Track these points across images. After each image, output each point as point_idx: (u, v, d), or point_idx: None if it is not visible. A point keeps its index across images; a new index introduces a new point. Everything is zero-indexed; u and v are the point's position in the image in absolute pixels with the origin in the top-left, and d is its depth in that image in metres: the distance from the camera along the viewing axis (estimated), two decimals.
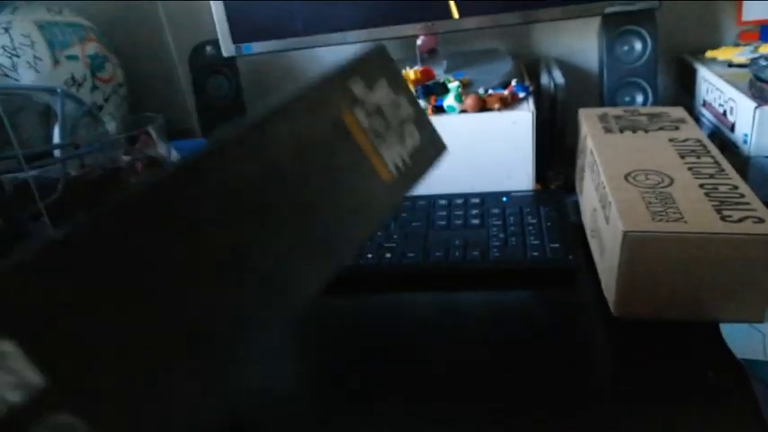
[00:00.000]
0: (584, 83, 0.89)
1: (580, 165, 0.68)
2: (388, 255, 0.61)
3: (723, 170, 0.54)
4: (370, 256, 0.61)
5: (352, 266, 0.60)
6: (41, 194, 0.66)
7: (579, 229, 0.63)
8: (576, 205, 0.68)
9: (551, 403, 0.43)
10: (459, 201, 0.68)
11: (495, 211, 0.65)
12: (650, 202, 0.50)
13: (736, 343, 0.47)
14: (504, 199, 0.67)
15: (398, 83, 0.33)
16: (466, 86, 0.73)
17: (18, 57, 0.73)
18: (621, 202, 0.50)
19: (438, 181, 0.70)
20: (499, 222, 0.63)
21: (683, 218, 0.48)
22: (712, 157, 0.57)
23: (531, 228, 0.61)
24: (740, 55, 0.76)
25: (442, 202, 0.68)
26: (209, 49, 0.86)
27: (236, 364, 0.22)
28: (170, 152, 0.76)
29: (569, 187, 0.72)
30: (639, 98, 0.79)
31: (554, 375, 0.45)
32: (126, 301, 0.20)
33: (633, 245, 0.47)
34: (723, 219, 0.47)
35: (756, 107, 0.63)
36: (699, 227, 0.46)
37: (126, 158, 0.70)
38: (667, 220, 0.47)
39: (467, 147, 0.69)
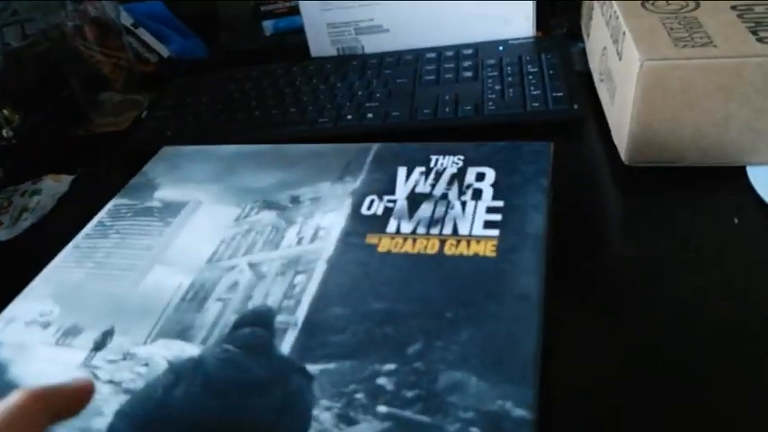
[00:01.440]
0: None
1: (587, 5, 0.57)
2: (370, 115, 0.52)
3: None
4: (349, 117, 0.53)
5: (330, 128, 0.52)
6: None
7: (585, 77, 0.55)
8: (582, 53, 0.58)
9: (565, 261, 0.37)
10: (450, 53, 0.58)
11: (491, 61, 0.55)
12: (672, 28, 0.42)
13: (765, 186, 0.41)
14: (501, 48, 0.57)
15: None
16: None
17: None
18: (638, 31, 0.42)
19: (426, 32, 0.60)
20: (495, 74, 0.53)
21: (711, 42, 0.39)
22: None
23: (531, 77, 0.52)
24: None
25: (431, 55, 0.58)
26: None
27: None
28: (118, 12, 0.64)
29: (574, 35, 0.61)
30: None
31: (567, 234, 0.39)
32: None
33: (651, 75, 0.39)
34: (760, 40, 0.39)
35: None
36: (731, 50, 0.39)
37: (70, 24, 0.59)
38: (693, 46, 0.39)
39: None
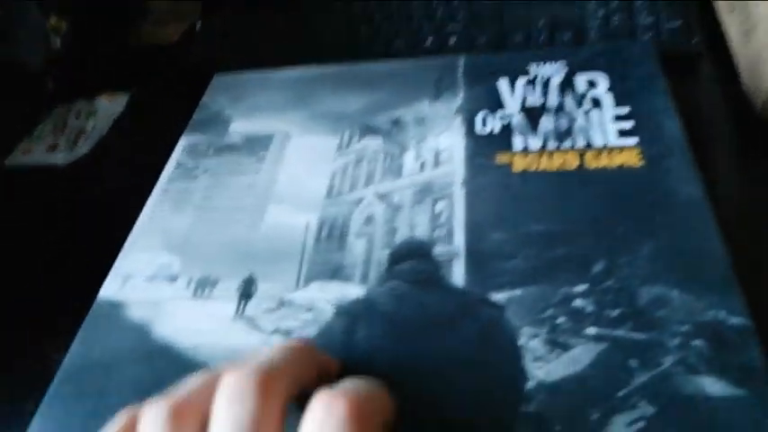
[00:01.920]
0: None
1: None
2: (453, 39, 0.49)
3: None
4: (428, 43, 0.49)
5: (407, 53, 0.48)
6: None
7: (706, 2, 0.47)
8: None
9: None
10: None
11: None
12: None
13: None
14: None
15: None
16: None
17: None
18: None
19: None
20: None
21: None
22: None
23: (639, 0, 0.47)
24: None
25: None
26: None
27: None
28: None
29: None
30: None
31: None
32: None
33: None
34: None
35: None
36: None
37: None
38: None
39: None
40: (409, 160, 0.37)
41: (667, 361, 0.25)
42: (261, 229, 0.35)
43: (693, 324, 0.26)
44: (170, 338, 0.30)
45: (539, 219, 0.31)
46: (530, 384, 0.25)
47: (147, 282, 0.33)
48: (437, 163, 0.36)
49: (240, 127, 0.42)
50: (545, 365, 0.25)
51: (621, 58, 0.39)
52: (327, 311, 0.30)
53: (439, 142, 0.37)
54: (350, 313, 0.29)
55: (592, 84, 0.38)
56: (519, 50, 0.45)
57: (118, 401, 0.25)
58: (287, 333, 0.29)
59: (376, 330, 0.28)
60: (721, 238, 0.29)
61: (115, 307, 0.32)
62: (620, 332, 0.26)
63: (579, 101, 0.37)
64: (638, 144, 0.34)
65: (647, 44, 0.40)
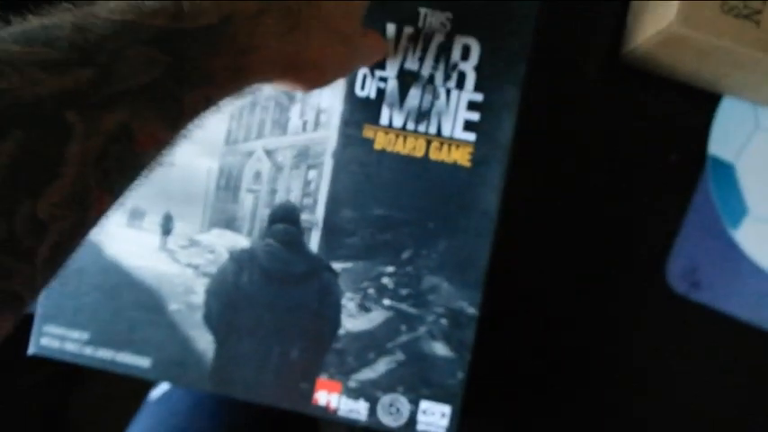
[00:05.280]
0: None
1: None
2: None
3: None
4: None
5: None
6: None
7: None
8: None
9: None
10: None
11: None
12: None
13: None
14: None
15: None
16: None
17: None
18: None
19: None
20: None
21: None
22: None
23: None
24: None
25: None
26: None
27: None
28: None
29: None
30: None
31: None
32: None
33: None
34: None
35: None
36: None
37: None
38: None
39: None
40: (295, 116, 0.47)
41: (422, 330, 0.44)
42: (173, 166, 0.45)
43: (446, 308, 0.45)
44: (116, 259, 0.45)
45: (381, 202, 0.46)
46: (341, 331, 0.44)
47: None
48: (317, 124, 0.47)
49: None
50: (353, 320, 0.44)
51: (500, 20, 0.45)
52: (223, 256, 0.45)
53: (321, 100, 0.47)
54: (238, 261, 0.46)
55: (465, 53, 0.45)
56: None
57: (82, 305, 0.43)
58: (197, 267, 0.45)
59: (255, 277, 0.45)
60: (490, 247, 0.44)
61: None
62: (403, 306, 0.45)
63: (448, 74, 0.46)
64: (475, 141, 0.46)
65: (532, 7, 0.45)
